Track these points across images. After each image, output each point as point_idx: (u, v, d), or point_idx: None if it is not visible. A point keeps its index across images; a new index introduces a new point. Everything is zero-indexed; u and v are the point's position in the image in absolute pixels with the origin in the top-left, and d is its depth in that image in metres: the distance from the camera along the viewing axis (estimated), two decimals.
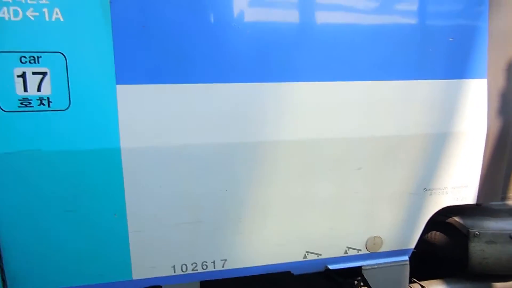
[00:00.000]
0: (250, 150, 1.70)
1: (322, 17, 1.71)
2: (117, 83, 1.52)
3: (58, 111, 1.49)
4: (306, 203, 1.84)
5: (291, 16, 1.68)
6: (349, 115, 1.78)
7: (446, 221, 2.16)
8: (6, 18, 1.39)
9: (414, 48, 1.80)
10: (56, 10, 1.43)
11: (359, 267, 2.02)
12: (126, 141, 1.56)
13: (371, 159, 1.86)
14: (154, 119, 1.58)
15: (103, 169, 1.57)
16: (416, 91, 1.83)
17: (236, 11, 1.61)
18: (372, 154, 1.85)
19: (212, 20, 1.59)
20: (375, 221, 1.96)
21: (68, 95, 1.48)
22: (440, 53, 1.84)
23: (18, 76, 1.43)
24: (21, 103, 1.45)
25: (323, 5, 1.71)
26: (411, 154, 1.90)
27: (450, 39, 1.84)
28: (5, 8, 1.39)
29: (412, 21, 1.80)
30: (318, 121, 1.75)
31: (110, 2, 1.47)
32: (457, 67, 1.87)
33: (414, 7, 1.80)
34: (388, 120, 1.83)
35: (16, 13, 1.40)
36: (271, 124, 1.70)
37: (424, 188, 1.97)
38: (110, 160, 1.56)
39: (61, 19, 1.44)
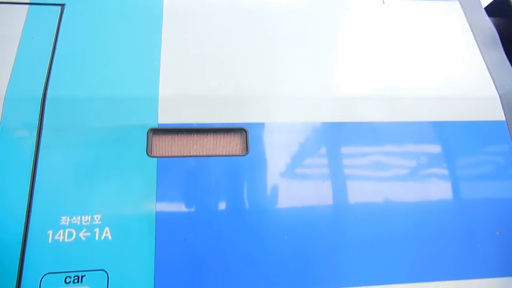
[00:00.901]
0: None
1: (362, 217, 1.72)
2: None
3: None
4: None
5: (327, 217, 1.69)
6: None
7: None
8: (60, 240, 1.50)
9: (459, 245, 1.72)
10: (107, 229, 1.54)
11: None
12: None
13: None
14: None
15: None
16: None
17: (272, 221, 1.66)
18: None
19: (248, 229, 1.63)
20: None
21: None
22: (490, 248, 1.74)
23: None
24: None
25: (364, 204, 1.72)
26: None
27: (497, 233, 1.76)
28: (61, 231, 1.51)
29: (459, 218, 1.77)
30: None
31: (156, 219, 1.58)
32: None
33: (461, 202, 1.78)
34: None
35: (70, 235, 1.51)
36: None
37: None
38: None
39: (109, 238, 1.53)
